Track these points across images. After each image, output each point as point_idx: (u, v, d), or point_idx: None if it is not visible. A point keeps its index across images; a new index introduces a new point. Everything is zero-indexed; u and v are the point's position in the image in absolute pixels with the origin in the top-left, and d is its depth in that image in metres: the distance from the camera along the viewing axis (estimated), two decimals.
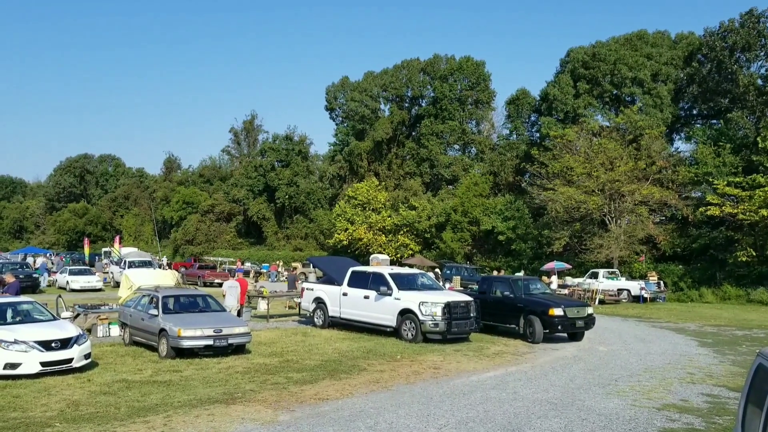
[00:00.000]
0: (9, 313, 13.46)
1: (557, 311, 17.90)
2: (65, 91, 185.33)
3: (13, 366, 11.82)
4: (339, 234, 54.71)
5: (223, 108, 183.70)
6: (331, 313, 20.01)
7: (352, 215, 54.81)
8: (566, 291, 30.99)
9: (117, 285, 36.72)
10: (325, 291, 20.50)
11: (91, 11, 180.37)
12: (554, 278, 33.84)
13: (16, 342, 11.97)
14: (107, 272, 40.96)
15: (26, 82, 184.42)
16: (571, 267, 39.17)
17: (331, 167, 68.08)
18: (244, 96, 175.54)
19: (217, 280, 38.87)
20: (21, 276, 27.07)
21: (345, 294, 19.48)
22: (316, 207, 66.44)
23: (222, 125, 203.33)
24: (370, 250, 51.46)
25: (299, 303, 22.54)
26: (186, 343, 14.15)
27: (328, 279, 21.37)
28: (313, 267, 36.15)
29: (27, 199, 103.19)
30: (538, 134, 54.32)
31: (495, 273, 34.89)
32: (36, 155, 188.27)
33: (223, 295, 19.75)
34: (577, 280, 35.75)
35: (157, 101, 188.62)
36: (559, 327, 18.12)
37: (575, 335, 18.81)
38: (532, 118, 57.58)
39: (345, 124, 67.77)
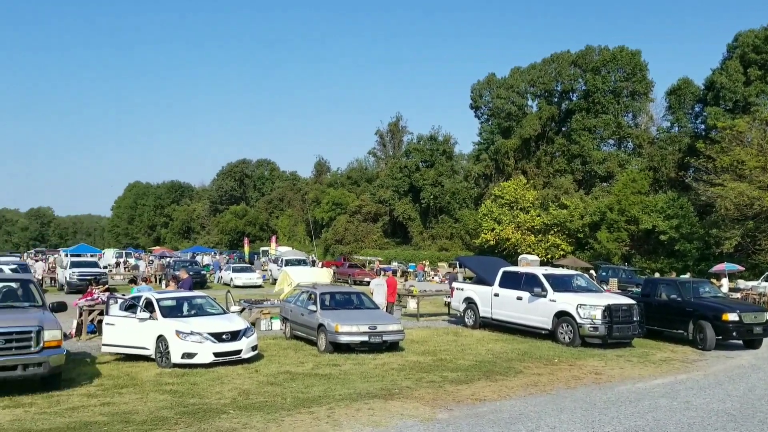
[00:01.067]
0: (185, 307, 14.53)
1: (732, 316, 16.37)
2: (225, 103, 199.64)
3: (190, 355, 12.73)
4: (485, 234, 54.05)
5: (369, 111, 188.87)
6: (482, 314, 19.72)
7: (499, 215, 53.92)
8: (738, 295, 28.36)
9: (275, 282, 38.89)
10: (476, 291, 20.25)
11: (244, 29, 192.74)
12: (724, 281, 31.10)
13: (192, 333, 12.88)
14: (266, 270, 43.41)
15: (192, 96, 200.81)
16: (743, 269, 35.86)
17: (477, 166, 67.49)
18: (389, 99, 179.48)
19: (366, 279, 39.84)
20: (191, 273, 29.32)
21: (497, 294, 19.10)
22: (462, 207, 66.16)
23: (368, 128, 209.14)
24: (519, 251, 50.30)
25: (449, 302, 22.45)
26: (343, 339, 14.54)
27: (478, 279, 21.09)
28: (462, 267, 35.96)
29: (193, 202, 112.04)
30: (703, 126, 50.54)
31: (656, 275, 32.69)
32: (201, 162, 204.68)
33: (371, 293, 20.10)
34: (750, 284, 32.61)
35: (308, 108, 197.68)
36: (734, 333, 16.58)
37: (752, 342, 17.12)
38: (696, 109, 53.61)
39: (490, 122, 66.90)
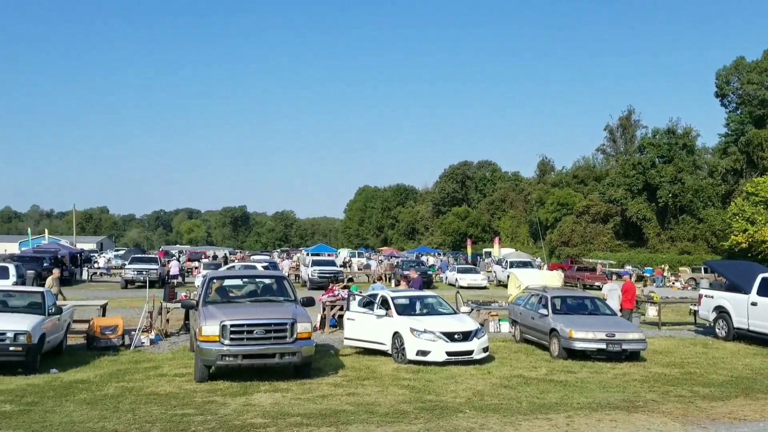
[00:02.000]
0: (418, 306, 14.99)
1: None
2: (448, 107, 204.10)
3: (424, 353, 13.09)
4: (736, 236, 48.40)
5: (596, 106, 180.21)
6: (736, 324, 17.62)
7: (753, 214, 47.92)
8: None
9: (499, 284, 38.76)
10: (729, 299, 18.15)
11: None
12: None
13: (425, 331, 13.23)
14: (490, 271, 43.40)
15: (415, 103, 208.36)
16: None
17: (724, 161, 60.81)
18: (618, 92, 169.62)
19: (596, 283, 37.90)
20: (419, 273, 30.30)
21: (754, 304, 16.93)
22: (706, 206, 60.11)
23: (595, 124, 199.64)
24: None
25: (695, 311, 20.43)
26: (578, 345, 13.91)
27: (730, 285, 18.92)
28: (712, 272, 32.65)
29: (417, 204, 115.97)
30: None
31: None
32: (424, 165, 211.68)
33: (604, 298, 18.97)
34: None
35: (530, 106, 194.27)
36: None
37: None
38: None
39: (740, 111, 59.93)
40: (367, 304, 15.14)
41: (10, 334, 11.53)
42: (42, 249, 40.91)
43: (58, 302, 14.94)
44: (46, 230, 67.29)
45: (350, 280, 26.47)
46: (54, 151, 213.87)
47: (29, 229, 72.01)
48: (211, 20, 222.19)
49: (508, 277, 23.46)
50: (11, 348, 11.50)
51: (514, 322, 17.56)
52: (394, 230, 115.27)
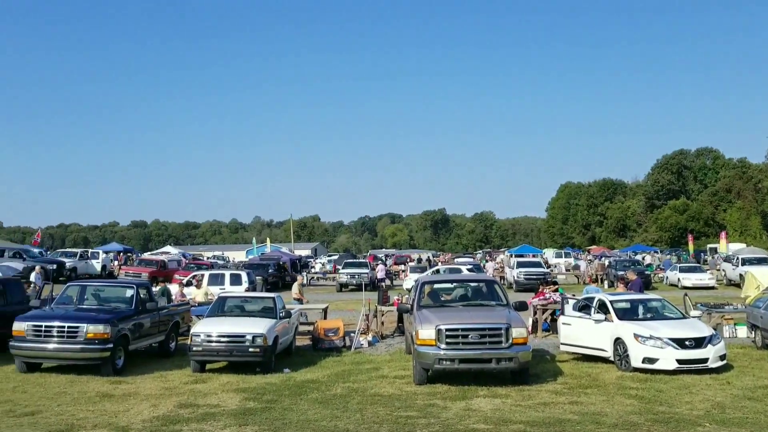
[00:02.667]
0: (640, 310, 13.97)
1: None
2: (651, 94, 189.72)
3: (651, 360, 12.14)
4: None
5: None
6: None
7: None
8: None
9: (730, 283, 34.97)
10: None
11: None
12: None
13: (651, 338, 12.28)
14: (718, 269, 39.38)
15: (615, 94, 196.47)
16: None
17: None
18: None
19: None
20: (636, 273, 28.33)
21: None
22: None
23: None
24: None
25: None
26: None
27: None
28: None
29: (627, 199, 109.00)
30: None
31: None
32: (632, 157, 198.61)
33: None
34: None
35: (755, 82, 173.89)
36: None
37: None
38: None
39: None
40: (583, 307, 14.46)
41: (249, 337, 12.72)
42: (266, 257, 45.06)
43: (302, 305, 16.29)
44: (268, 239, 73.98)
45: (554, 282, 25.43)
46: (272, 165, 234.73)
47: (254, 238, 79.87)
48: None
49: (742, 276, 21.05)
50: (250, 349, 12.68)
51: (754, 327, 15.68)
52: (602, 228, 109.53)
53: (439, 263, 50.61)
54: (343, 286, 34.77)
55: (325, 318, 18.17)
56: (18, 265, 29.72)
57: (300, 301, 19.89)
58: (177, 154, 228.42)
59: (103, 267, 39.14)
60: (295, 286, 20.57)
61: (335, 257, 61.34)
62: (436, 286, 14.63)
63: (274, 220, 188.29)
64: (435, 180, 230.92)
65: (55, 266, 34.56)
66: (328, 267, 49.96)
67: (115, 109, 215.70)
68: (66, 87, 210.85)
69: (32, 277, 24.79)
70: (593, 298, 14.44)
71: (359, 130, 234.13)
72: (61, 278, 31.63)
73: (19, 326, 12.14)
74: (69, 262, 35.99)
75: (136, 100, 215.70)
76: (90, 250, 44.28)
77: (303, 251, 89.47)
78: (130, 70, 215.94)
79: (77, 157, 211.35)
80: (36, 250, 42.70)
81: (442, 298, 13.90)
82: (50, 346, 11.98)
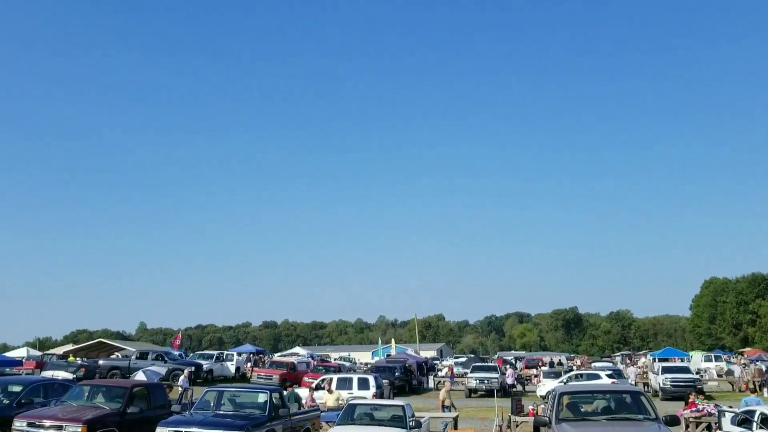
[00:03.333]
0: None
1: None
2: None
3: None
4: None
5: None
6: None
7: None
8: None
9: None
10: None
11: None
12: None
13: None
14: None
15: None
16: None
17: None
18: None
19: None
20: None
21: None
22: None
23: None
24: None
25: None
26: None
27: None
28: None
29: None
30: None
31: None
32: None
33: None
34: None
35: None
36: None
37: None
38: None
39: None
40: (743, 422, 12.96)
41: None
42: (393, 359, 44.71)
43: (435, 414, 15.84)
44: (393, 339, 73.66)
45: (700, 391, 23.19)
46: (394, 264, 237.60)
47: (379, 339, 80.00)
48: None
49: None
50: None
51: None
52: (755, 327, 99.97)
53: (574, 367, 47.95)
54: (472, 392, 33.59)
55: (455, 428, 17.50)
56: (161, 369, 31.41)
57: (450, 408, 19.25)
58: (304, 255, 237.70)
59: (237, 369, 40.44)
60: (443, 393, 20.02)
61: (462, 359, 59.88)
62: (575, 397, 13.70)
63: (398, 319, 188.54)
64: (565, 277, 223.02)
65: (193, 368, 36.23)
66: (456, 370, 48.74)
67: (240, 216, 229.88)
68: (194, 199, 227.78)
69: (180, 380, 26.01)
70: (754, 411, 12.91)
71: (484, 228, 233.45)
72: (198, 380, 32.98)
73: (161, 431, 12.59)
74: (206, 364, 37.55)
75: (261, 205, 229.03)
76: (225, 352, 46.09)
77: (428, 352, 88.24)
78: (264, 184, 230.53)
79: (214, 259, 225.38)
80: (176, 353, 45.10)
81: (583, 410, 12.95)
82: None
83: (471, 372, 36.11)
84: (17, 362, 30.93)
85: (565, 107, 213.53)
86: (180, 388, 22.64)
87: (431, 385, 40.62)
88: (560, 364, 57.09)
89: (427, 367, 44.90)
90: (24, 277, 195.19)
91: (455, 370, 49.39)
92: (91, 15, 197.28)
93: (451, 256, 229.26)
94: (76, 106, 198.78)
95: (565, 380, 31.66)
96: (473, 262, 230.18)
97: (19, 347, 73.70)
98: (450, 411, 19.01)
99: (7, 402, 15.71)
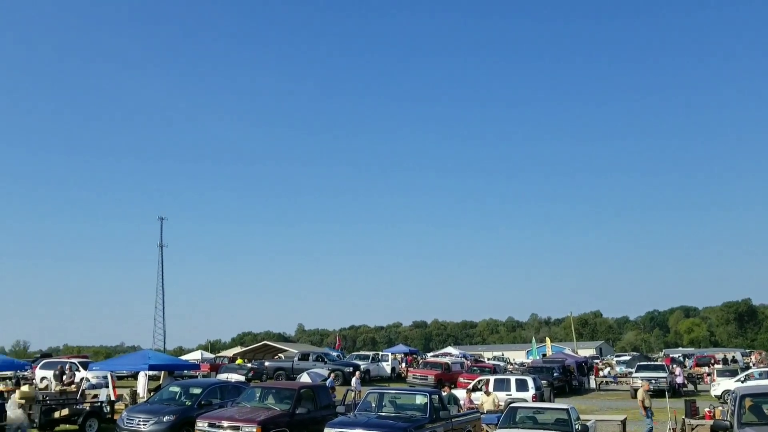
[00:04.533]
0: None
1: None
2: None
3: None
4: None
5: None
6: None
7: None
8: None
9: None
10: None
11: None
12: None
13: None
14: None
15: None
16: None
17: None
18: None
19: None
20: None
21: None
22: None
23: None
24: None
25: None
26: None
27: None
28: None
29: None
30: None
31: None
32: None
33: None
34: None
35: None
36: None
37: None
38: None
39: None
40: None
41: None
42: (550, 359, 43.39)
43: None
44: (548, 338, 71.51)
45: None
46: (546, 260, 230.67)
47: (533, 338, 78.05)
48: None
49: None
50: None
51: None
52: None
53: (751, 364, 43.90)
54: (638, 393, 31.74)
55: (624, 430, 16.59)
56: (324, 371, 32.77)
57: (650, 409, 18.28)
58: (453, 253, 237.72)
59: (393, 369, 41.20)
60: (641, 392, 19.07)
61: (626, 358, 56.95)
62: (759, 398, 12.45)
63: (552, 317, 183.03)
64: (735, 266, 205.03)
65: (351, 369, 37.44)
66: (619, 369, 46.41)
67: (387, 216, 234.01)
68: (347, 201, 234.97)
69: (353, 383, 26.94)
70: None
71: (641, 214, 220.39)
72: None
73: None
74: (363, 365, 38.63)
75: (407, 203, 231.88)
76: (380, 353, 47.18)
77: (586, 351, 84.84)
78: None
79: (366, 261, 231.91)
80: (334, 353, 46.87)
81: None
82: None
83: (636, 371, 34.12)
84: (196, 366, 33.62)
85: None
86: (353, 391, 23.35)
87: (593, 385, 38.89)
88: (735, 360, 52.44)
89: (587, 367, 43.06)
90: (196, 283, 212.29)
91: (618, 369, 47.07)
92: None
93: (605, 251, 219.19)
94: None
95: (742, 379, 29.11)
96: (631, 256, 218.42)
97: (193, 350, 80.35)
98: (650, 413, 17.94)
99: (189, 403, 17.08)
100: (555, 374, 34.06)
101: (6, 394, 20.96)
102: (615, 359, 59.28)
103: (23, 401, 18.28)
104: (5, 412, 16.62)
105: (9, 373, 29.74)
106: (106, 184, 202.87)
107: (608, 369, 47.56)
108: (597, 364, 49.32)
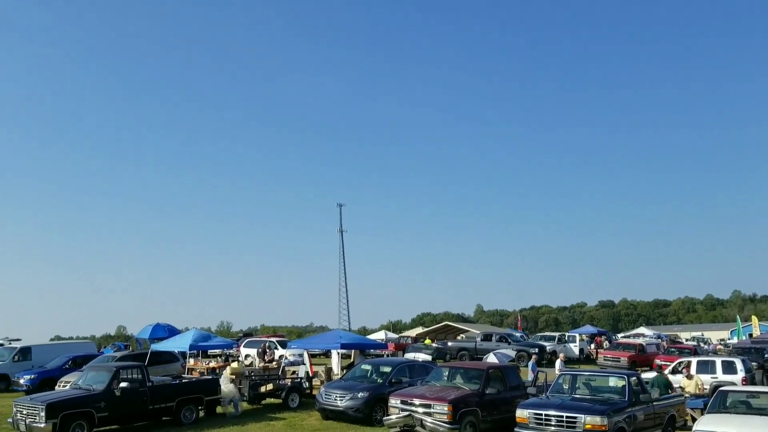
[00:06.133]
0: None
1: None
2: None
3: None
4: None
5: None
6: None
7: None
8: None
9: None
10: None
11: None
12: None
13: None
14: None
15: None
16: None
17: None
18: None
19: None
20: None
21: None
22: None
23: None
24: None
25: None
26: None
27: None
28: None
29: None
30: None
31: None
32: None
33: None
34: None
35: None
36: None
37: None
38: None
39: None
40: None
41: None
42: (759, 339, 39.27)
43: None
44: (754, 316, 64.85)
45: None
46: (753, 230, 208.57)
47: (737, 316, 71.19)
48: None
49: None
50: None
51: None
52: None
53: None
54: None
55: None
56: (511, 351, 32.41)
57: None
58: (637, 228, 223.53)
59: (581, 350, 39.69)
60: None
61: None
62: None
63: (758, 293, 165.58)
64: None
65: (536, 350, 36.61)
66: None
67: (573, 197, 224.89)
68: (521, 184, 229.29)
69: (557, 365, 25.92)
70: None
71: None
72: (542, 362, 33.14)
73: (521, 413, 12.80)
74: (549, 346, 37.61)
75: (583, 179, 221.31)
76: (567, 334, 45.66)
77: None
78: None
79: (545, 240, 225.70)
80: (518, 334, 46.15)
81: None
82: None
83: None
84: (383, 345, 34.86)
85: None
86: (544, 372, 22.64)
87: None
88: None
89: None
90: (376, 266, 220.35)
91: None
92: None
93: None
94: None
95: None
96: None
97: (376, 330, 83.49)
98: None
99: (381, 381, 17.71)
100: (766, 356, 30.66)
101: (218, 371, 23.04)
102: None
103: (234, 377, 20.01)
104: (219, 386, 18.39)
105: (218, 351, 32.89)
106: (282, 175, 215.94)
107: None
108: None
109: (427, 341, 45.41)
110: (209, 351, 30.63)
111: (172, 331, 31.63)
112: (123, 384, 15.39)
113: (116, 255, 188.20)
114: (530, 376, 22.80)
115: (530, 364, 24.56)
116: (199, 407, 17.43)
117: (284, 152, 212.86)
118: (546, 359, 34.62)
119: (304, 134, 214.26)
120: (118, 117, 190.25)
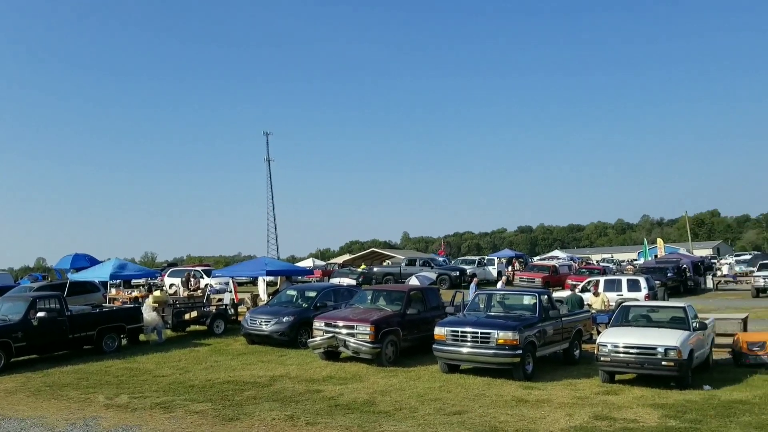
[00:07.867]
0: None
1: None
2: None
3: None
4: None
5: None
6: None
7: None
8: None
9: None
10: None
11: None
12: None
13: None
14: None
15: None
16: None
17: None
18: None
19: None
20: None
21: None
22: None
23: None
24: None
25: None
26: None
27: None
28: None
29: None
30: None
31: None
32: None
33: None
34: None
35: None
36: None
37: None
38: None
39: None
40: None
41: (660, 350, 11.81)
42: (663, 259, 41.97)
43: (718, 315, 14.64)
44: (659, 239, 68.86)
45: None
46: (657, 159, 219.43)
47: (644, 239, 75.50)
48: None
49: None
50: (663, 363, 11.76)
51: None
52: None
53: None
54: (760, 291, 30.33)
55: (745, 329, 15.95)
56: (432, 274, 33.45)
57: None
58: (556, 157, 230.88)
59: (499, 273, 41.40)
60: None
61: (746, 257, 54.28)
62: None
63: (665, 218, 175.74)
64: None
65: (457, 273, 37.97)
66: (738, 268, 44.29)
67: (488, 125, 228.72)
68: (446, 110, 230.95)
69: (471, 288, 26.45)
70: None
71: (760, 103, 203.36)
72: (463, 284, 34.51)
73: (439, 331, 13.42)
74: (469, 269, 39.06)
75: (507, 110, 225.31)
76: (486, 257, 47.38)
77: (703, 251, 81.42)
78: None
79: (466, 169, 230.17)
80: (441, 259, 47.57)
81: None
82: (465, 350, 12.93)
83: (758, 270, 32.46)
84: (310, 271, 35.26)
85: None
86: (461, 293, 23.26)
87: (710, 285, 37.47)
88: None
89: (704, 267, 41.33)
90: (304, 196, 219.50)
91: (737, 268, 44.98)
92: None
93: (722, 149, 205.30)
94: None
95: None
96: (749, 148, 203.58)
97: (304, 258, 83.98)
98: None
99: (306, 305, 18.08)
100: (669, 274, 33.00)
101: (140, 300, 22.86)
102: (735, 259, 56.49)
103: (156, 305, 19.91)
104: (142, 314, 18.29)
105: (141, 281, 32.43)
106: (213, 102, 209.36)
107: (727, 268, 45.50)
108: (715, 264, 47.25)
109: (362, 267, 46.24)
110: (132, 281, 30.15)
111: (92, 262, 30.81)
112: (40, 314, 15.10)
113: (37, 184, 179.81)
114: (471, 296, 23.55)
115: (471, 285, 25.00)
116: (122, 335, 17.36)
117: (210, 74, 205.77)
118: (467, 282, 36.01)
119: (231, 58, 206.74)
120: None
